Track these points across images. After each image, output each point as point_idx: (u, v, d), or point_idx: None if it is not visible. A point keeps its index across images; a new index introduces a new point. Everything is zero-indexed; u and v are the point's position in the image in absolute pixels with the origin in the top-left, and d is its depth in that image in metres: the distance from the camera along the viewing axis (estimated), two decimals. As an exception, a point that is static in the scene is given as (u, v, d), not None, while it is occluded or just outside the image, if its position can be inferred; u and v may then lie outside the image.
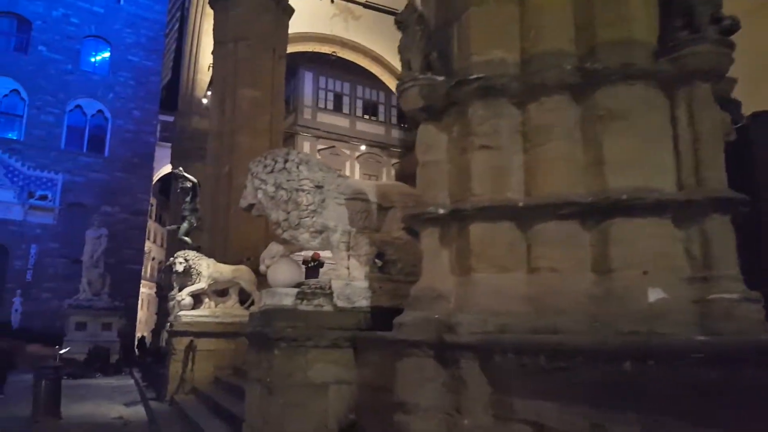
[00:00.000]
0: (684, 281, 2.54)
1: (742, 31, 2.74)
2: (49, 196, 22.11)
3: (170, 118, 24.03)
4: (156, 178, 28.22)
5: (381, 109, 25.80)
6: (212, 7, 13.44)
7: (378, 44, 19.45)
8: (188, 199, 11.20)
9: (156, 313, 23.38)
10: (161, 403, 9.01)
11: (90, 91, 23.69)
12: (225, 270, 9.53)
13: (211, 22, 13.93)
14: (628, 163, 2.67)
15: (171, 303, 9.62)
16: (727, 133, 2.87)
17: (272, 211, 4.46)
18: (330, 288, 4.21)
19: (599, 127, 2.75)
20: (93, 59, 24.42)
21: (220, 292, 9.72)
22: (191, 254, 9.32)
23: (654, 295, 2.46)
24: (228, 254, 10.51)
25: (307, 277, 4.49)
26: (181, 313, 9.14)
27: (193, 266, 9.10)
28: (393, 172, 25.16)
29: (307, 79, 23.89)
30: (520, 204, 2.89)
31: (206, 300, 9.49)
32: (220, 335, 9.02)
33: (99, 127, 23.84)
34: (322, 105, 24.26)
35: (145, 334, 24.60)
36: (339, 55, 20.44)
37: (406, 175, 20.78)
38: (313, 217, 4.41)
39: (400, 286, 4.15)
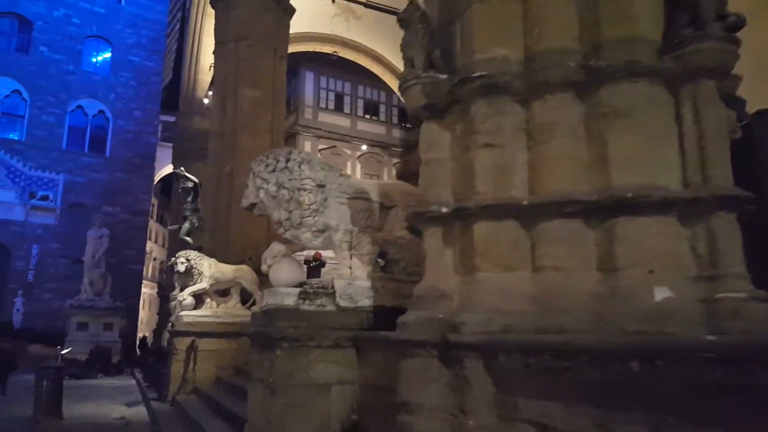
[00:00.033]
0: (690, 280, 2.52)
1: (745, 28, 2.71)
2: (51, 196, 22.15)
3: (171, 119, 24.05)
4: (157, 178, 28.25)
5: (382, 108, 25.81)
6: (213, 7, 13.45)
7: (379, 44, 19.42)
8: (189, 199, 11.17)
9: (157, 313, 23.49)
10: (163, 404, 8.99)
11: (91, 91, 23.73)
12: (226, 270, 9.52)
13: (212, 22, 13.93)
14: (633, 160, 2.65)
15: (172, 303, 9.62)
16: (732, 130, 2.85)
17: (274, 210, 4.44)
18: (332, 287, 4.19)
19: (603, 124, 2.73)
20: (94, 59, 24.47)
21: (221, 292, 9.71)
22: (193, 254, 9.32)
23: (660, 294, 2.44)
24: (229, 254, 10.50)
25: (309, 277, 4.47)
26: (183, 313, 9.13)
27: (194, 266, 9.10)
28: (394, 171, 25.17)
29: (308, 78, 23.91)
30: (525, 202, 2.87)
31: (208, 300, 9.49)
32: (221, 335, 9.01)
33: (100, 128, 23.89)
34: (323, 105, 24.28)
35: (147, 334, 24.67)
36: (340, 54, 20.41)
37: (407, 175, 20.82)
38: (315, 217, 4.39)
39: (403, 286, 4.14)
